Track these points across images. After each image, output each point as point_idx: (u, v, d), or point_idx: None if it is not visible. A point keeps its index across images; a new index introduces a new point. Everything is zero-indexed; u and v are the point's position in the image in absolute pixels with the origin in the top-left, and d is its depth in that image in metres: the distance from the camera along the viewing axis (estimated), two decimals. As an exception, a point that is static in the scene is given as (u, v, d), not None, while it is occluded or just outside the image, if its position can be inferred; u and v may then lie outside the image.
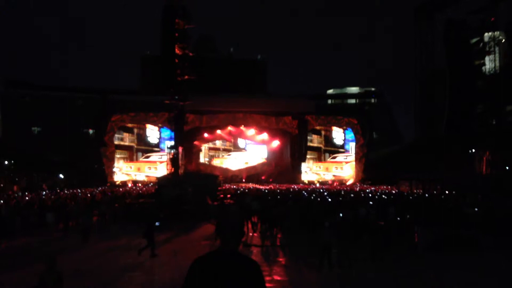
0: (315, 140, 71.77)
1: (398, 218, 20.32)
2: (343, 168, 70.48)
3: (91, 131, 72.74)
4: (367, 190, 46.35)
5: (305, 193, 40.07)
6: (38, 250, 18.03)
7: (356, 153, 68.92)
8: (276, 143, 71.51)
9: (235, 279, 3.54)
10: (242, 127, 68.94)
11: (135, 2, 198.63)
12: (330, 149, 72.21)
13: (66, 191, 45.07)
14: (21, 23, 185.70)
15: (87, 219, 20.25)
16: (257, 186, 56.54)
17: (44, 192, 43.00)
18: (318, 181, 67.43)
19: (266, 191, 44.27)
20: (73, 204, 29.30)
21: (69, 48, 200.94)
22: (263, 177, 68.81)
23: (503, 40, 58.08)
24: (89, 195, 38.99)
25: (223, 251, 3.71)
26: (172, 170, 38.17)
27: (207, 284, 3.55)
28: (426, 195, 38.34)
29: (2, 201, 30.99)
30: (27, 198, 35.59)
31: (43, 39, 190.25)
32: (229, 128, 69.06)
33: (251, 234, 22.27)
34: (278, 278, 13.97)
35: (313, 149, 70.91)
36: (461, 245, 17.76)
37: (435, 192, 40.65)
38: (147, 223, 17.53)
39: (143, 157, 66.53)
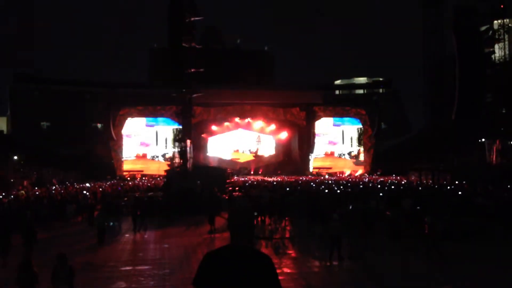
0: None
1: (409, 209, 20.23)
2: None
3: (99, 125, 72.96)
4: (376, 181, 46.22)
5: (314, 185, 40.02)
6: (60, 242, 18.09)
7: (365, 144, 68.55)
8: (284, 135, 71.35)
9: (247, 273, 3.51)
10: (249, 119, 68.82)
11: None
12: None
13: (76, 185, 45.33)
14: (30, 17, 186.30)
15: (102, 220, 19.39)
16: (266, 178, 56.53)
17: (54, 187, 43.28)
18: (327, 173, 67.21)
19: (275, 183, 44.27)
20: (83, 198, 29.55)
21: (76, 42, 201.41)
22: (271, 169, 68.70)
23: (513, 27, 57.42)
24: (100, 189, 39.20)
25: (235, 246, 3.68)
26: (181, 163, 38.19)
27: (220, 278, 3.52)
28: (436, 185, 38.15)
29: (12, 196, 31.26)
30: (37, 193, 35.84)
31: (51, 33, 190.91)
32: (236, 120, 68.95)
33: (259, 225, 22.28)
34: (288, 270, 13.98)
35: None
36: (471, 235, 17.65)
37: (445, 182, 40.41)
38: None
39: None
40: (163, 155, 65.29)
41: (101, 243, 18.28)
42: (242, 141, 72.19)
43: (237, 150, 72.30)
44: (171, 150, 56.55)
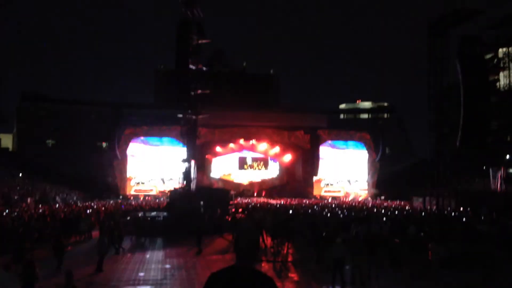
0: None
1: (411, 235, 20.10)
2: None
3: (104, 144, 73.29)
4: (380, 206, 46.00)
5: (317, 208, 39.87)
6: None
7: (369, 169, 68.55)
8: (288, 157, 71.39)
9: None
10: (253, 141, 68.98)
11: (150, 18, 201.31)
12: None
13: (79, 204, 45.32)
14: (35, 37, 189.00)
15: (103, 243, 17.66)
16: (269, 200, 56.39)
17: (57, 205, 43.28)
18: (331, 197, 67.07)
19: (278, 205, 44.12)
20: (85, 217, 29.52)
21: (83, 62, 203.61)
22: (275, 191, 68.50)
23: (518, 56, 57.71)
24: (103, 208, 39.17)
25: (239, 267, 3.71)
26: (184, 184, 38.20)
27: None
28: (440, 211, 37.94)
29: (15, 214, 31.26)
30: (40, 210, 35.81)
31: (58, 53, 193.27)
32: (241, 142, 69.12)
33: (262, 247, 22.15)
34: (290, 294, 13.87)
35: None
36: (475, 263, 17.48)
37: (449, 208, 40.20)
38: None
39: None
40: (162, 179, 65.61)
41: (100, 270, 16.72)
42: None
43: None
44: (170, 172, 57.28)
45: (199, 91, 38.09)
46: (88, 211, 34.57)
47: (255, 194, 67.79)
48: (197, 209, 31.22)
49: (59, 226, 24.84)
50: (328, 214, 32.34)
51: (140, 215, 31.76)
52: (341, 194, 68.55)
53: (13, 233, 21.30)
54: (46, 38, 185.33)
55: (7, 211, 32.20)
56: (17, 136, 75.11)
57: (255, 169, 72.14)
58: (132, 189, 64.59)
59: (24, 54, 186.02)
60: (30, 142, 70.25)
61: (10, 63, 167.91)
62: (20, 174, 49.80)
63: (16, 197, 42.84)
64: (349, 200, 63.59)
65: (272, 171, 72.74)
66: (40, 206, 41.07)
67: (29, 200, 44.57)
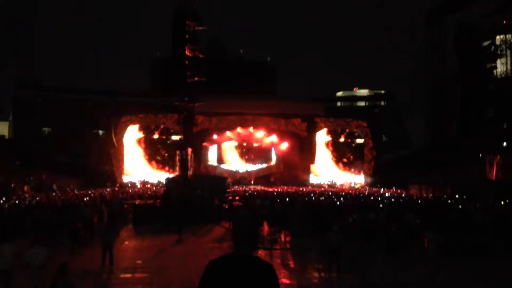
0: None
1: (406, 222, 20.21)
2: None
3: (101, 132, 73.15)
4: (376, 194, 46.16)
5: (314, 196, 39.98)
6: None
7: (366, 156, 68.66)
8: (285, 145, 71.43)
9: (250, 281, 3.56)
10: (251, 129, 68.94)
11: (146, 5, 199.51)
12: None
13: (76, 192, 45.32)
14: (33, 25, 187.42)
15: (110, 235, 16.04)
16: (266, 188, 56.47)
17: (54, 193, 43.26)
18: (328, 184, 67.28)
19: (275, 193, 44.21)
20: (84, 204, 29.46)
21: (79, 50, 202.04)
22: (272, 179, 68.69)
23: (515, 43, 57.65)
24: (98, 194, 39.22)
25: (238, 254, 3.72)
26: (181, 172, 38.21)
27: (223, 286, 3.56)
28: (436, 199, 38.11)
29: (12, 201, 31.25)
30: (37, 198, 35.82)
31: (54, 41, 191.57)
32: (238, 129, 69.06)
33: (260, 235, 22.24)
34: (287, 281, 13.95)
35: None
36: (471, 251, 17.62)
37: (445, 196, 40.39)
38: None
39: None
40: None
41: (107, 263, 15.58)
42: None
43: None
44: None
45: (196, 79, 37.96)
46: (85, 199, 34.59)
47: (252, 182, 67.88)
48: (194, 197, 31.24)
49: (72, 213, 24.40)
50: (327, 202, 32.43)
51: (137, 202, 31.85)
52: (338, 182, 68.75)
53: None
54: (42, 26, 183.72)
55: (3, 198, 32.17)
56: (13, 124, 74.96)
57: (252, 158, 72.20)
58: (129, 177, 64.52)
59: (20, 41, 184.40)
60: (26, 130, 70.15)
61: (6, 51, 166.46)
62: (17, 162, 49.67)
63: (12, 185, 42.77)
64: (346, 187, 63.76)
65: (269, 159, 72.79)
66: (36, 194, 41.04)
67: (25, 188, 44.53)
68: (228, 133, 69.31)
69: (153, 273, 14.72)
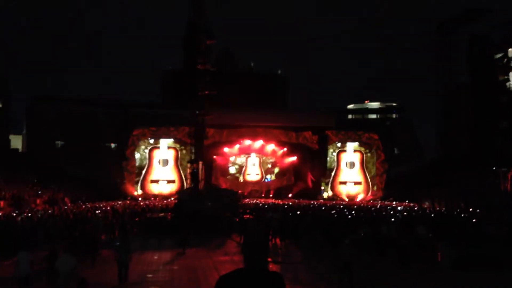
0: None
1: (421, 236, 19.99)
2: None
3: (113, 145, 73.64)
4: (388, 207, 45.81)
5: (325, 209, 39.78)
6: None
7: (377, 169, 68.28)
8: (296, 158, 71.28)
9: None
10: (261, 142, 68.95)
11: (158, 19, 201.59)
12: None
13: (88, 205, 45.49)
14: (46, 37, 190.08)
15: (123, 255, 15.23)
16: (277, 201, 56.31)
17: (66, 206, 43.46)
18: (338, 197, 66.92)
19: (286, 206, 44.06)
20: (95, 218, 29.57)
21: (92, 63, 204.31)
22: (283, 192, 68.45)
23: (528, 55, 57.28)
24: (109, 208, 39.31)
25: (248, 269, 3.71)
26: (192, 185, 38.30)
27: None
28: (449, 212, 37.70)
29: (25, 214, 31.44)
30: (49, 211, 36.00)
31: (67, 54, 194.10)
32: (248, 142, 69.08)
33: (270, 249, 22.12)
34: (298, 295, 13.84)
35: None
36: (485, 265, 17.36)
37: (458, 210, 39.96)
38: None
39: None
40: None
41: (123, 280, 15.10)
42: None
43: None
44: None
45: (207, 92, 38.16)
46: (97, 212, 34.71)
47: (263, 195, 67.73)
48: (205, 210, 31.23)
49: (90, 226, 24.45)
50: (338, 216, 32.24)
51: (148, 216, 31.91)
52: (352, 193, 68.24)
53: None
54: (55, 39, 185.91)
55: (16, 211, 32.41)
56: (27, 137, 75.72)
57: (263, 171, 72.05)
58: (140, 190, 64.68)
59: (34, 55, 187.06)
60: (40, 143, 70.78)
61: (20, 65, 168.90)
62: (30, 176, 50.03)
63: (25, 198, 43.05)
64: (358, 201, 63.37)
65: (280, 172, 72.66)
66: (48, 207, 41.25)
67: (38, 201, 44.79)
68: (239, 146, 69.39)
69: (163, 287, 14.67)
